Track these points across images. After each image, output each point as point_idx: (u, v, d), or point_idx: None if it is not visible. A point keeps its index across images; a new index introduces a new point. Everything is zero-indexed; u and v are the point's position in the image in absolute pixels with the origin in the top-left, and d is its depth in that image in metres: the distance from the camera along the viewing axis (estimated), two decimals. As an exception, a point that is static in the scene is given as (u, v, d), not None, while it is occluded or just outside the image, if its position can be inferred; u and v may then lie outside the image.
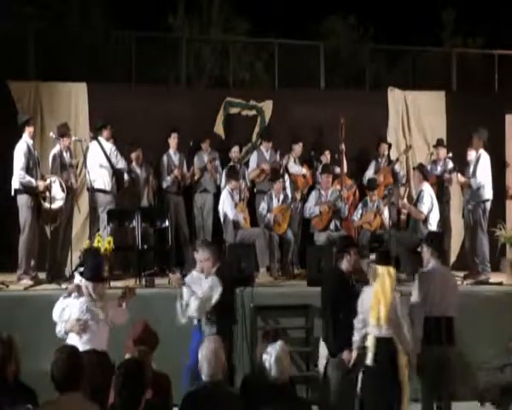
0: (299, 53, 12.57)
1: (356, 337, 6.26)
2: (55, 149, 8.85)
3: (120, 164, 9.40)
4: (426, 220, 9.13)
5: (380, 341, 6.05)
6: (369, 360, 6.07)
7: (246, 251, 8.68)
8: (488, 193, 9.36)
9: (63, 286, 8.02)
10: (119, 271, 9.28)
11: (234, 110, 11.00)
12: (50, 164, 8.77)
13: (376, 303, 6.05)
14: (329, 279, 6.75)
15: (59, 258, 8.68)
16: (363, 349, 6.23)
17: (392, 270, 6.21)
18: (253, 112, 11.07)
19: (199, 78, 17.34)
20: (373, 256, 7.05)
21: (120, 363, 4.30)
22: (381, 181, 10.28)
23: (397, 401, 6.01)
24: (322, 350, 6.58)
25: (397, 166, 10.66)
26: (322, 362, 6.58)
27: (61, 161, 8.78)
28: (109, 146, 9.37)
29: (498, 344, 8.05)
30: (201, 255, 6.60)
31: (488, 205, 9.38)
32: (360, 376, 6.19)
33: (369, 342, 6.10)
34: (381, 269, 6.17)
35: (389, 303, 6.03)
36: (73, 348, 4.10)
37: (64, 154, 8.84)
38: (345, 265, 6.61)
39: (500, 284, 9.07)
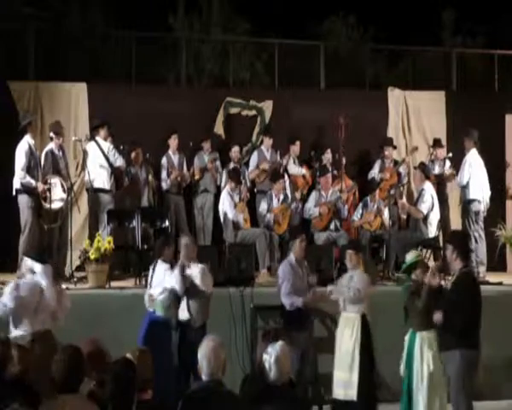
0: (299, 53, 12.53)
1: None
2: (48, 148, 8.83)
3: (119, 162, 9.40)
4: (426, 220, 9.12)
5: None
6: None
7: (246, 251, 8.68)
8: (474, 193, 9.30)
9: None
10: (119, 271, 9.28)
11: (234, 110, 11.00)
12: (42, 162, 8.72)
13: None
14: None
15: (55, 258, 8.66)
16: None
17: None
18: (253, 112, 11.07)
19: (199, 78, 17.28)
20: None
21: (112, 363, 4.31)
22: (387, 179, 10.26)
23: None
24: None
25: (402, 168, 10.64)
26: None
27: (53, 159, 8.73)
28: (107, 145, 9.37)
29: (498, 344, 8.04)
30: None
31: (476, 205, 9.31)
32: None
33: None
34: None
35: None
36: (75, 349, 4.09)
37: (56, 152, 8.81)
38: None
39: (500, 283, 9.07)
